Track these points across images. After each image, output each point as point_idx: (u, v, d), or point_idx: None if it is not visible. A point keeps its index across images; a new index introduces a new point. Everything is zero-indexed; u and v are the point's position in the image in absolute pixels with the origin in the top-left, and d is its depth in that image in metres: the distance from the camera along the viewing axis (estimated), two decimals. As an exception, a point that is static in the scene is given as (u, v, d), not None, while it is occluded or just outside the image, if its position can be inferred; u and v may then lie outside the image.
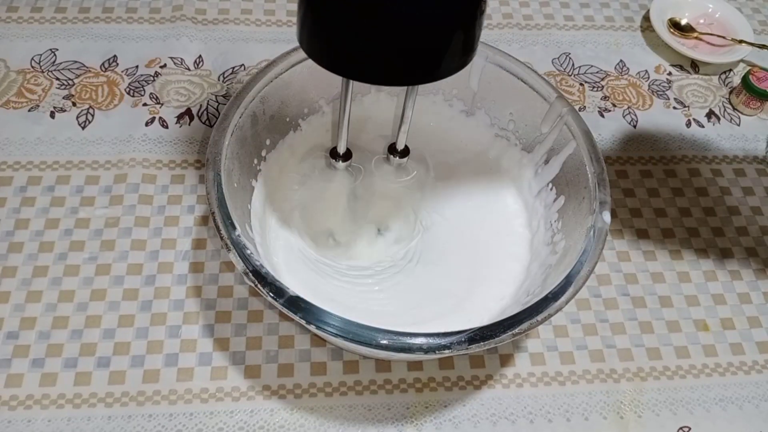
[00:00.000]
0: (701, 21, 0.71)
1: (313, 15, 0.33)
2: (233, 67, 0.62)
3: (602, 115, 0.63)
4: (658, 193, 0.58)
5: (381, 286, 0.46)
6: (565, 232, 0.44)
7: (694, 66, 0.68)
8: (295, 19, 0.66)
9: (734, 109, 0.65)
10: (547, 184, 0.47)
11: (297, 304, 0.35)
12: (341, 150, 0.45)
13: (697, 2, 0.71)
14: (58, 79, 0.59)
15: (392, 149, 0.47)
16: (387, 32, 0.31)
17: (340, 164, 0.46)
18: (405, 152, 0.47)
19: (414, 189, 0.49)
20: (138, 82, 0.60)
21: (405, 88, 0.41)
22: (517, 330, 0.35)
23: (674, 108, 0.65)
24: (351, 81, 0.38)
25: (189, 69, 0.61)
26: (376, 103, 0.51)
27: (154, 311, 0.47)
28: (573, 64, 0.67)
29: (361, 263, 0.47)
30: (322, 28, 0.33)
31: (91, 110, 0.57)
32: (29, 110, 0.57)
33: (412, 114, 0.42)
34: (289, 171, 0.49)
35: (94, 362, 0.45)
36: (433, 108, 0.52)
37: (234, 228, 0.37)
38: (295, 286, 0.36)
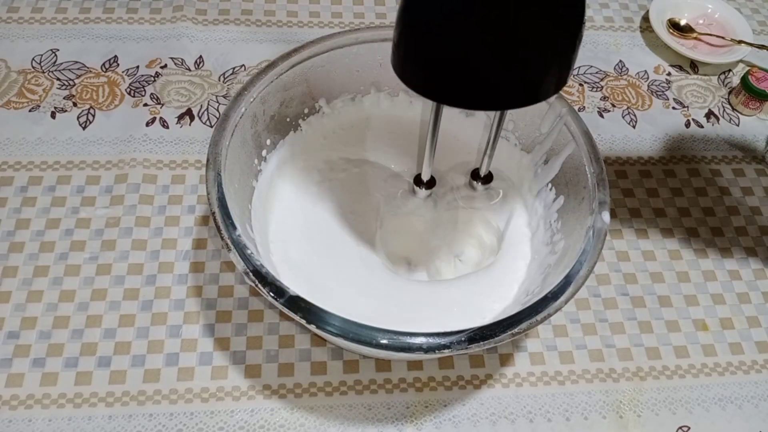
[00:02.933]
0: (700, 21, 0.71)
1: (408, 38, 0.32)
2: (233, 68, 0.62)
3: (602, 116, 0.63)
4: (657, 193, 0.58)
5: (381, 287, 0.46)
6: (565, 232, 0.44)
7: (694, 66, 0.68)
8: (295, 20, 0.67)
9: (733, 109, 0.65)
10: (547, 184, 0.47)
11: (297, 304, 0.35)
12: (425, 177, 0.44)
13: (696, 3, 0.71)
14: (58, 79, 0.59)
15: (475, 175, 0.46)
16: (483, 56, 0.31)
17: (423, 192, 0.45)
18: (489, 178, 0.45)
19: (496, 215, 0.48)
20: (139, 82, 0.60)
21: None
22: (516, 330, 0.35)
23: (673, 108, 0.65)
24: (442, 106, 0.37)
25: (189, 69, 0.61)
26: (375, 104, 0.52)
27: (155, 311, 0.47)
28: (573, 68, 0.66)
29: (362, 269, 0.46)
30: (419, 54, 0.32)
31: (91, 110, 0.57)
32: (30, 110, 0.57)
33: (498, 139, 0.41)
34: (290, 172, 0.49)
35: (94, 362, 0.45)
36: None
37: (234, 228, 0.37)
38: (295, 285, 0.37)
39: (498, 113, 0.40)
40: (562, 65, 0.33)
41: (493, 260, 0.47)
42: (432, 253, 0.48)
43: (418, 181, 0.45)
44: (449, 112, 0.52)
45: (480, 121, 0.51)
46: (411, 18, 0.31)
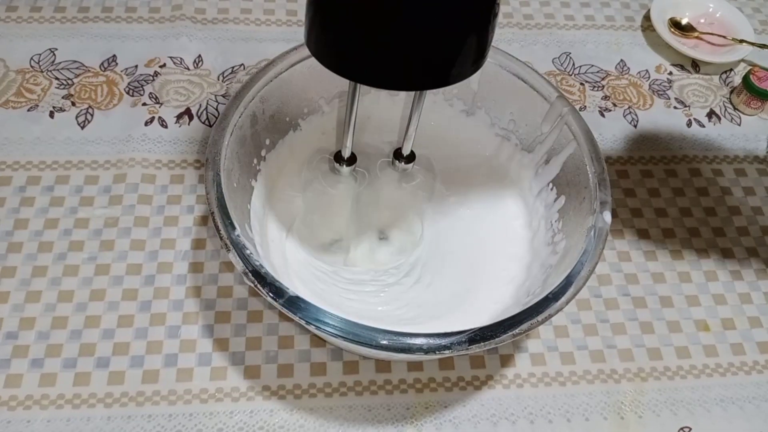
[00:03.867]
0: (702, 20, 0.71)
1: (322, 17, 0.32)
2: (233, 67, 0.62)
3: (603, 115, 0.63)
4: (658, 192, 0.58)
5: (381, 289, 0.46)
6: (566, 232, 0.44)
7: (695, 66, 0.68)
8: (295, 19, 0.67)
9: (735, 108, 0.65)
10: (548, 183, 0.47)
11: (296, 305, 0.35)
12: (346, 154, 0.44)
13: (697, 2, 0.71)
14: (57, 78, 0.59)
15: (398, 154, 0.45)
16: (397, 36, 0.31)
17: (345, 169, 0.45)
18: (411, 158, 0.45)
19: (419, 196, 0.48)
20: (137, 81, 0.60)
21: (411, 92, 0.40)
22: (517, 330, 0.35)
23: (675, 108, 0.64)
24: (358, 84, 0.37)
25: (188, 69, 0.61)
26: (375, 103, 0.51)
27: (154, 311, 0.47)
28: (573, 64, 0.66)
29: (361, 272, 0.46)
30: (330, 31, 0.32)
31: (90, 110, 0.57)
32: (28, 110, 0.57)
33: (419, 119, 0.41)
34: (289, 171, 0.49)
35: (93, 362, 0.45)
36: (433, 108, 0.51)
37: (233, 228, 0.37)
38: (294, 286, 0.36)
39: (416, 93, 0.40)
40: (478, 46, 0.33)
41: (418, 250, 0.47)
42: (356, 232, 0.47)
43: (338, 158, 0.44)
44: (449, 111, 0.52)
45: (480, 118, 0.51)
46: None
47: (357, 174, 0.47)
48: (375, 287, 0.46)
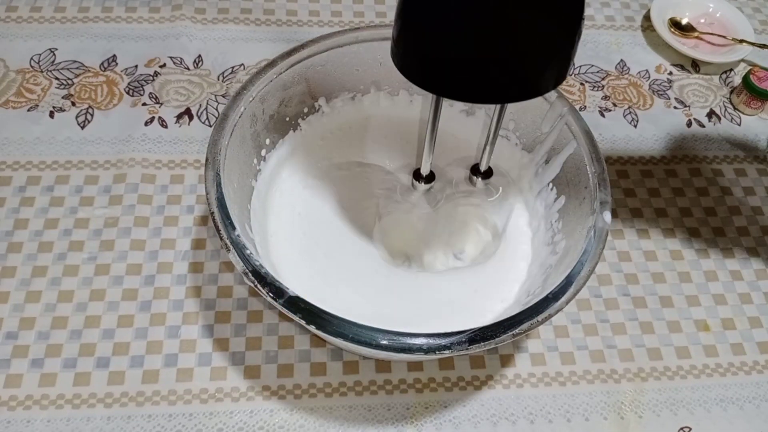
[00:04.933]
0: (702, 20, 0.71)
1: (410, 34, 0.32)
2: (233, 67, 0.62)
3: (603, 115, 0.63)
4: (658, 193, 0.58)
5: (381, 288, 0.46)
6: (566, 232, 0.44)
7: (695, 65, 0.68)
8: (295, 19, 0.67)
9: (735, 108, 0.65)
10: (548, 183, 0.47)
11: (297, 305, 0.35)
12: (425, 171, 0.43)
13: (697, 2, 0.71)
14: (57, 78, 0.59)
15: (475, 170, 0.45)
16: (483, 50, 0.31)
17: (422, 186, 0.44)
18: (488, 173, 0.45)
19: (497, 209, 0.48)
20: (137, 81, 0.60)
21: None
22: (517, 330, 0.35)
23: (675, 108, 0.64)
24: (441, 99, 0.37)
25: (188, 68, 0.61)
26: (375, 103, 0.51)
27: (154, 311, 0.47)
28: (573, 64, 0.66)
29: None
30: (419, 48, 0.32)
31: (90, 110, 0.57)
32: (28, 110, 0.57)
33: (497, 134, 0.41)
34: (289, 171, 0.49)
35: (93, 362, 0.45)
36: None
37: (233, 228, 0.37)
38: (294, 286, 0.36)
39: (497, 108, 0.40)
40: (561, 60, 0.33)
41: (490, 258, 0.47)
42: (430, 249, 0.47)
43: (417, 175, 0.45)
44: (449, 111, 0.52)
45: (479, 118, 0.51)
46: (410, 13, 0.31)
47: (434, 192, 0.46)
48: (373, 290, 0.46)
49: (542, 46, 0.32)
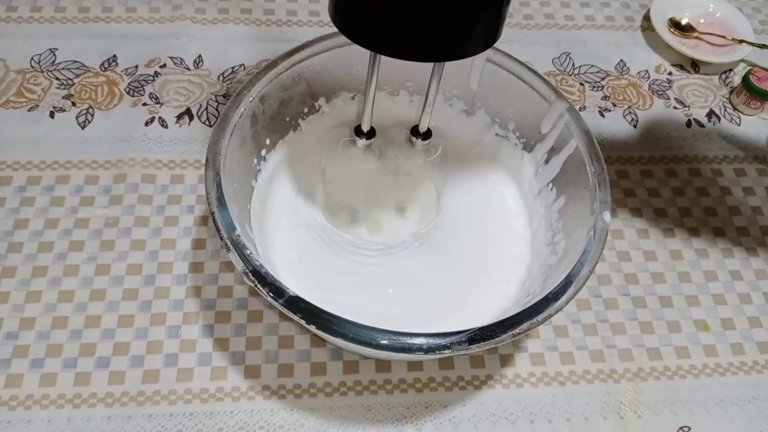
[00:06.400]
0: (702, 20, 0.71)
1: None
2: (233, 67, 0.62)
3: (603, 115, 0.63)
4: (658, 193, 0.58)
5: (381, 288, 0.46)
6: (566, 232, 0.44)
7: (695, 66, 0.68)
8: (295, 19, 0.67)
9: (735, 108, 0.65)
10: (548, 183, 0.47)
11: (297, 304, 0.35)
12: (365, 128, 0.44)
13: (697, 2, 0.71)
14: (57, 78, 0.59)
15: (415, 131, 0.45)
16: (416, 6, 0.31)
17: (363, 142, 0.44)
18: (428, 134, 0.45)
19: (436, 170, 0.48)
20: (138, 81, 0.60)
21: (430, 68, 0.40)
22: (517, 330, 0.35)
23: (675, 108, 0.64)
24: (378, 56, 0.38)
25: (189, 69, 0.61)
26: (375, 103, 0.51)
27: (154, 311, 0.47)
28: (573, 64, 0.66)
29: (382, 240, 0.47)
30: (352, 3, 0.33)
31: (90, 110, 0.57)
32: (29, 110, 0.57)
33: (436, 95, 0.41)
34: (289, 171, 0.49)
35: (93, 362, 0.45)
36: (433, 108, 0.51)
37: (234, 228, 0.37)
38: (294, 286, 0.36)
39: (433, 68, 0.40)
40: (492, 20, 0.34)
41: (434, 223, 0.48)
42: (374, 206, 0.48)
43: (358, 131, 0.44)
44: (449, 111, 0.52)
45: (480, 118, 0.51)
46: None
47: (375, 148, 0.46)
48: (373, 291, 0.46)
49: (470, 8, 0.32)
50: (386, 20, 0.32)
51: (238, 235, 0.37)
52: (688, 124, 0.63)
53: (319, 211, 0.47)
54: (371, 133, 0.44)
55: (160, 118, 0.57)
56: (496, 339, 0.35)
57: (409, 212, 0.49)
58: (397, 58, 0.34)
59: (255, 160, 0.46)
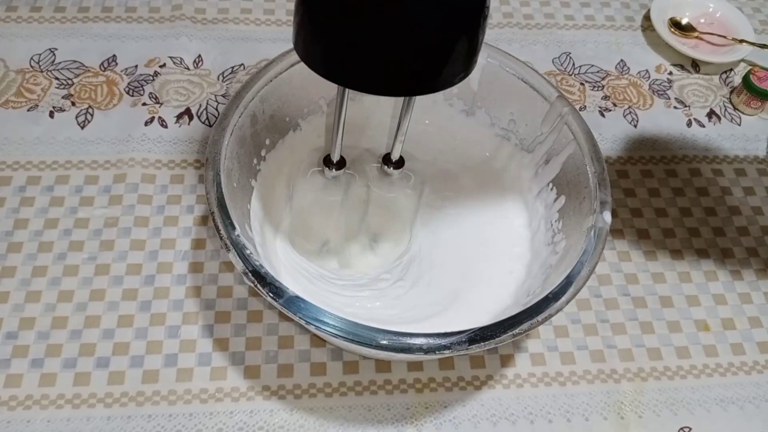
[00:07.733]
0: (702, 20, 0.71)
1: (309, 20, 0.32)
2: (233, 67, 0.62)
3: (603, 115, 0.63)
4: (658, 192, 0.58)
5: (377, 292, 0.46)
6: (566, 232, 0.44)
7: (695, 65, 0.68)
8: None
9: (735, 108, 0.65)
10: (548, 183, 0.47)
11: (296, 304, 0.35)
12: (335, 158, 0.43)
13: (697, 2, 0.71)
14: (57, 78, 0.59)
15: (387, 159, 0.44)
16: (385, 39, 0.30)
17: (333, 173, 0.44)
18: (400, 163, 0.44)
19: (409, 201, 0.47)
20: (137, 81, 0.60)
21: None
22: (517, 330, 0.35)
23: (675, 108, 0.64)
24: (347, 89, 0.37)
25: (188, 68, 0.61)
26: (376, 104, 0.51)
27: (154, 311, 0.47)
28: (573, 64, 0.66)
29: (357, 277, 0.46)
30: (318, 34, 0.32)
31: (90, 110, 0.57)
32: (28, 110, 0.57)
33: (408, 126, 0.40)
34: (289, 171, 0.49)
35: (93, 362, 0.45)
36: (433, 108, 0.51)
37: (233, 228, 0.37)
38: (294, 286, 0.36)
39: (405, 99, 0.39)
40: (468, 49, 0.33)
41: (405, 251, 0.47)
42: (345, 233, 0.47)
43: (327, 161, 0.43)
44: (449, 111, 0.52)
45: (479, 118, 0.51)
46: (310, 3, 0.31)
47: (346, 177, 0.45)
48: (372, 292, 0.46)
49: (442, 36, 0.31)
50: (355, 53, 0.31)
51: (238, 235, 0.37)
52: (689, 124, 0.63)
53: (292, 246, 0.46)
54: (341, 163, 0.43)
55: (159, 118, 0.57)
56: (497, 339, 0.35)
57: (382, 243, 0.48)
58: (368, 92, 0.33)
59: (255, 160, 0.46)
